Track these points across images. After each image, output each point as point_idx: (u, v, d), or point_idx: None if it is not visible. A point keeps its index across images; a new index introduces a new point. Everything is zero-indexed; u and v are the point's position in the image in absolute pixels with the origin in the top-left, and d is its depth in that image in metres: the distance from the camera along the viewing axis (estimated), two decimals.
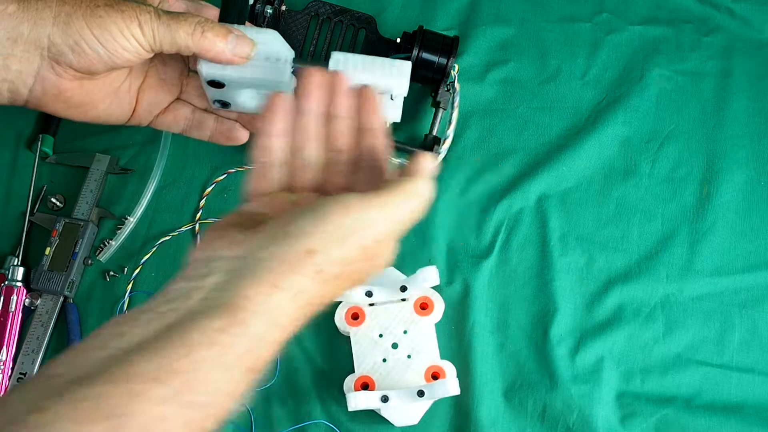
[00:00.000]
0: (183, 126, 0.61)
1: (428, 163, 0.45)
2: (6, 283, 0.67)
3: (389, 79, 0.54)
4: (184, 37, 0.51)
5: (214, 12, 0.58)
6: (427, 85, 0.72)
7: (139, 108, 0.59)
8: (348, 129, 0.47)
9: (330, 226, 0.39)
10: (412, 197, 0.43)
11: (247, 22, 0.57)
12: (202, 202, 0.72)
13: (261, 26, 0.71)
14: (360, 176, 0.47)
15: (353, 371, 0.65)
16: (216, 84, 0.55)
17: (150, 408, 0.33)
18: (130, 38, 0.51)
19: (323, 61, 0.56)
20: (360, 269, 0.42)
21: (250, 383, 0.38)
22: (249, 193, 0.47)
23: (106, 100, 0.57)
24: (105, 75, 0.55)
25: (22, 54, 0.51)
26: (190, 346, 0.34)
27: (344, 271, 0.41)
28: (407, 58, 0.69)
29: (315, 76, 0.47)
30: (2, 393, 0.65)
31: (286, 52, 0.55)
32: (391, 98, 0.56)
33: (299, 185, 0.47)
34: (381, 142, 0.47)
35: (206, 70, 0.53)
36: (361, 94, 0.47)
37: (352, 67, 0.53)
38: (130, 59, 0.52)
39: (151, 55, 0.53)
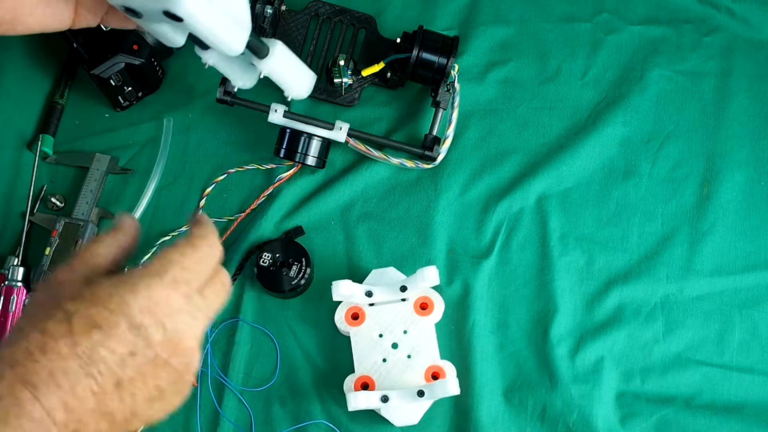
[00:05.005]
0: (131, 22, 0.54)
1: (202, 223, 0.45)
2: (6, 283, 0.67)
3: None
4: None
5: None
6: (427, 85, 0.72)
7: (82, 10, 0.53)
8: None
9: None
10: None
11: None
12: (202, 202, 0.72)
13: (262, 25, 0.71)
14: None
15: (353, 371, 0.65)
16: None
17: None
18: None
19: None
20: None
21: None
22: None
23: (35, 11, 0.50)
24: None
25: None
26: None
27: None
28: (407, 58, 0.69)
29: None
30: None
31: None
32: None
33: None
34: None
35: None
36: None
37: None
38: None
39: None
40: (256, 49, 0.55)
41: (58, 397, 0.37)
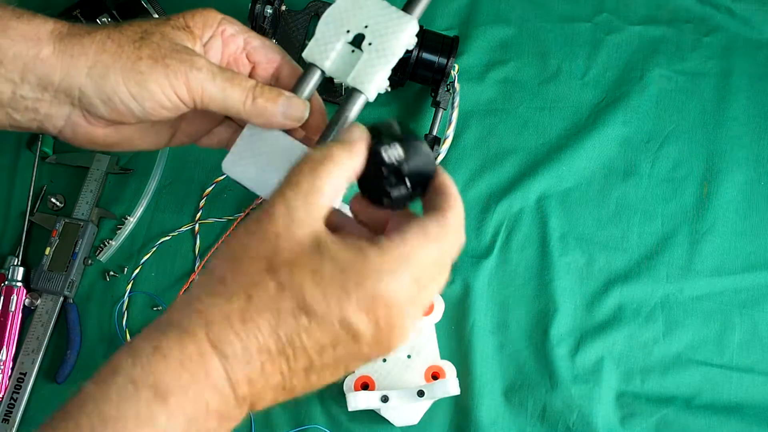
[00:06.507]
0: (225, 144, 0.57)
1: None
2: (6, 283, 0.67)
3: None
4: (236, 103, 0.47)
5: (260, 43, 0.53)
6: (427, 85, 0.72)
7: (181, 134, 0.55)
8: None
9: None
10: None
11: None
12: (202, 202, 0.72)
13: (262, 26, 0.71)
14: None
15: (353, 371, 0.65)
16: None
17: None
18: (171, 95, 0.46)
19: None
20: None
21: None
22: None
23: (143, 138, 0.53)
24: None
25: (51, 99, 0.48)
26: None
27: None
28: (407, 58, 0.69)
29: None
30: (2, 393, 0.65)
31: None
32: None
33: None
34: None
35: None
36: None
37: None
38: (167, 115, 0.48)
39: (191, 108, 0.49)
40: None
41: (245, 373, 0.36)
